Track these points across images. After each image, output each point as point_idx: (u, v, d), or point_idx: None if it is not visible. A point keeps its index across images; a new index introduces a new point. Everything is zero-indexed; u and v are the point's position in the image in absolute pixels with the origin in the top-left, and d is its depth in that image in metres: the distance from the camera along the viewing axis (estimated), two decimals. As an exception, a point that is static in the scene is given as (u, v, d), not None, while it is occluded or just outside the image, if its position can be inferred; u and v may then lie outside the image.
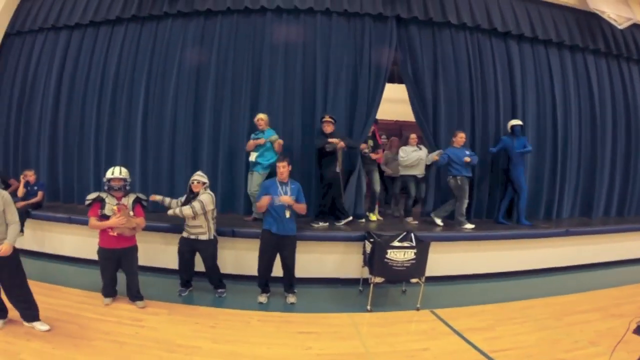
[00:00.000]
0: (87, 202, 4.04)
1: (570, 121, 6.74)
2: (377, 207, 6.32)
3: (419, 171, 6.13)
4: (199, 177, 4.45)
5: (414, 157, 6.07)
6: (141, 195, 4.29)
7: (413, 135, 6.27)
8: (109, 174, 4.04)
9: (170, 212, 4.41)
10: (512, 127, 6.10)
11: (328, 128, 5.39)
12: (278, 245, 4.36)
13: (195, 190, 4.39)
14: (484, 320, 4.13)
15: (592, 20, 6.81)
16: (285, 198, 4.26)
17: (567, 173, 6.67)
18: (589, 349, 3.50)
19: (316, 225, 5.32)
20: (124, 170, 4.12)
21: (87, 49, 6.50)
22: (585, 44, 6.81)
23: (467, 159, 5.61)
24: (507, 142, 6.10)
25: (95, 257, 4.95)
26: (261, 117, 5.45)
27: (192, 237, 4.38)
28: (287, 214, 4.29)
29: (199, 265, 4.52)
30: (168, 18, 6.19)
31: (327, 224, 5.44)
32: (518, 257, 5.73)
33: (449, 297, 4.81)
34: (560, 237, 5.88)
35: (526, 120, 6.47)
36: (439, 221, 5.81)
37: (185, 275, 4.56)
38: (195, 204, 4.26)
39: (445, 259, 5.23)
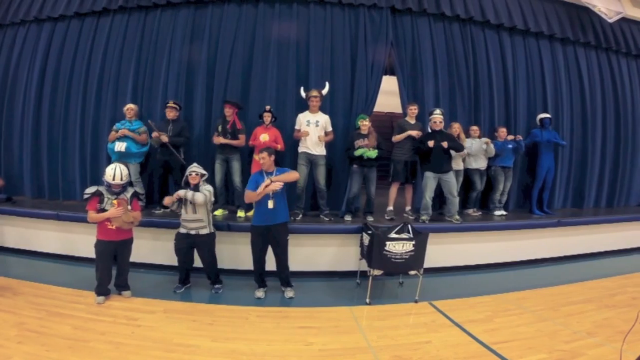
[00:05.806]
0: (85, 196, 4.00)
1: (561, 112, 6.79)
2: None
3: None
4: (197, 168, 4.35)
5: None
6: (139, 190, 4.22)
7: (474, 127, 6.05)
8: (108, 178, 3.95)
9: (180, 194, 4.18)
10: (541, 119, 6.29)
11: (170, 114, 5.31)
12: (268, 235, 4.25)
13: (192, 182, 4.27)
14: (481, 312, 4.13)
15: (582, 14, 6.87)
16: (262, 187, 4.10)
17: (559, 164, 6.72)
18: (588, 340, 3.51)
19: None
20: (124, 172, 4.03)
21: (71, 42, 6.29)
22: (576, 37, 6.87)
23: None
24: (536, 134, 6.27)
25: (84, 254, 4.85)
26: (131, 107, 5.48)
27: (193, 232, 4.27)
28: (270, 204, 4.16)
29: (196, 261, 4.44)
30: (157, 9, 6.03)
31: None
32: (511, 248, 5.77)
33: (445, 289, 4.80)
34: (551, 228, 5.93)
35: (517, 112, 6.54)
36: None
37: (185, 271, 4.45)
38: (204, 193, 4.22)
39: (440, 250, 5.21)
